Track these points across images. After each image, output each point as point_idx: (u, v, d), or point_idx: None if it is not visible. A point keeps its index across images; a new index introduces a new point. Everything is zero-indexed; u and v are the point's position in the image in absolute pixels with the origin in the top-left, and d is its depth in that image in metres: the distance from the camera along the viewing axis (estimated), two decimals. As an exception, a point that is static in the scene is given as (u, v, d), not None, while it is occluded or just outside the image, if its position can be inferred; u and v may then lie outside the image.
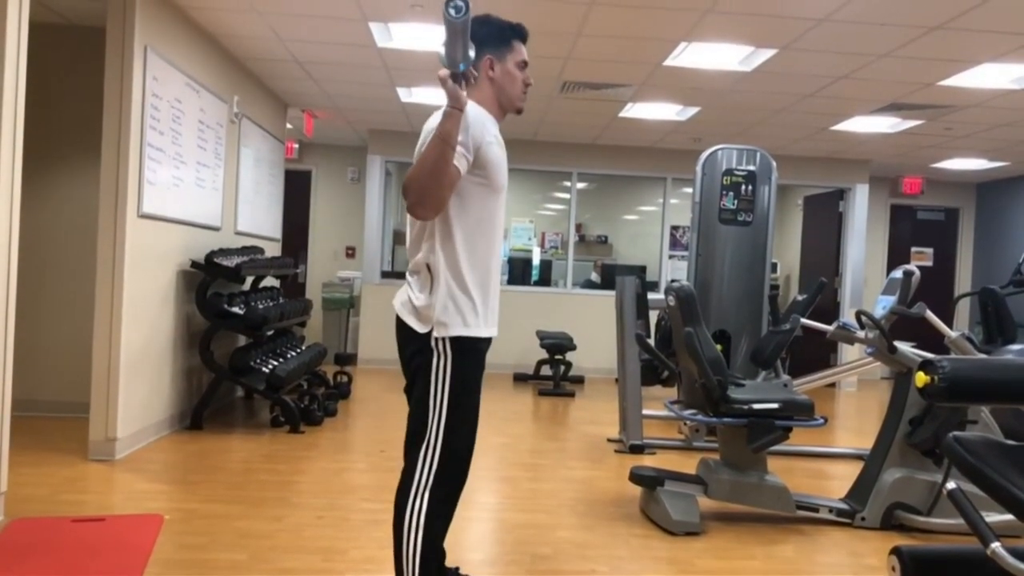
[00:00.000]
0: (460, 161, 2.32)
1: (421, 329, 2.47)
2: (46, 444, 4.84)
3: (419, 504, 2.44)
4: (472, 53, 2.23)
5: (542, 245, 11.18)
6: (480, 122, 2.41)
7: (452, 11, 2.08)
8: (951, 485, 1.76)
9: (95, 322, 4.65)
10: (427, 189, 2.28)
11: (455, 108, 2.24)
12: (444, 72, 2.21)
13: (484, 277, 2.50)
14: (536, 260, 10.63)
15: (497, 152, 2.50)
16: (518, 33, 2.64)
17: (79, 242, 5.52)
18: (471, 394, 2.53)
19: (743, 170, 5.88)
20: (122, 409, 4.68)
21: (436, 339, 2.45)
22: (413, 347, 2.50)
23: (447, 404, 2.46)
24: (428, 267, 2.46)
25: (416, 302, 2.48)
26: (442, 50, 2.19)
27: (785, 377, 5.30)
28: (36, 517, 3.60)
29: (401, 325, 2.54)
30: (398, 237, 10.64)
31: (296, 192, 9.81)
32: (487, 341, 2.56)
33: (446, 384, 2.46)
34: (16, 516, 3.56)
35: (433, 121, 2.43)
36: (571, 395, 7.93)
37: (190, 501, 4.00)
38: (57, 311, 5.64)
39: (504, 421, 6.44)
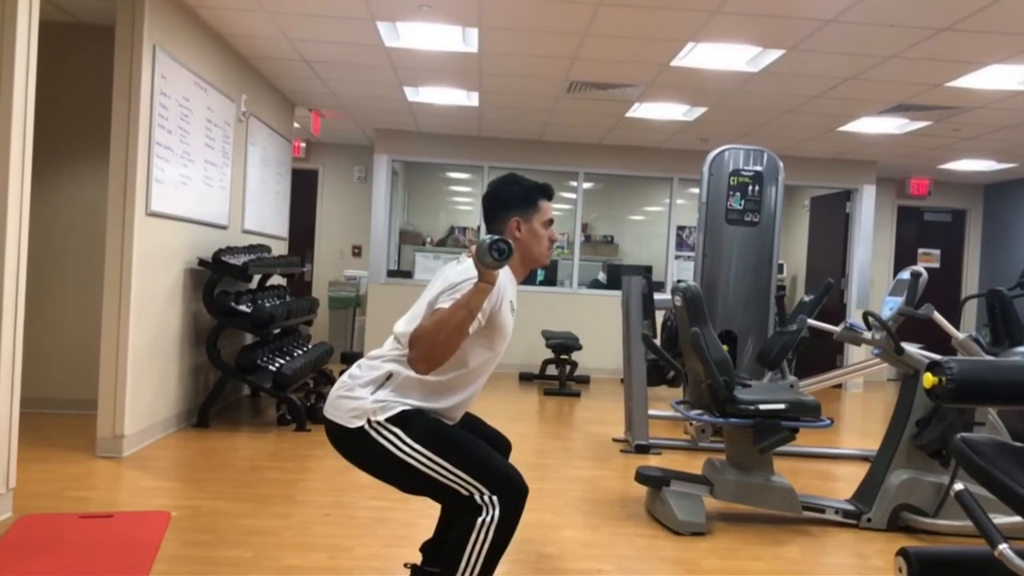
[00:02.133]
0: (472, 325, 2.29)
1: (353, 424, 2.36)
2: (54, 441, 4.86)
3: (491, 516, 2.32)
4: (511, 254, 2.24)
5: (548, 245, 11.17)
6: (501, 287, 2.38)
7: (495, 254, 2.16)
8: (959, 486, 1.76)
9: (103, 319, 4.67)
10: (436, 350, 2.24)
11: (487, 283, 2.23)
12: (475, 251, 2.21)
13: (440, 416, 2.45)
14: (542, 260, 10.61)
15: (507, 319, 2.48)
16: (544, 193, 2.63)
17: (87, 240, 5.54)
18: (444, 430, 2.42)
19: (750, 171, 5.87)
20: (129, 406, 4.69)
21: (375, 426, 2.35)
22: (358, 450, 2.41)
23: (440, 456, 2.34)
24: (390, 375, 2.40)
25: (352, 394, 2.40)
26: (481, 247, 2.19)
27: (791, 378, 5.29)
28: (44, 513, 3.61)
29: (334, 430, 2.43)
30: (404, 236, 10.65)
31: (303, 191, 9.82)
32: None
33: (418, 447, 2.34)
34: (24, 512, 3.57)
35: (453, 274, 2.40)
36: (577, 395, 7.93)
37: (197, 498, 4.01)
38: (65, 308, 5.66)
39: (509, 420, 6.44)
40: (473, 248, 2.22)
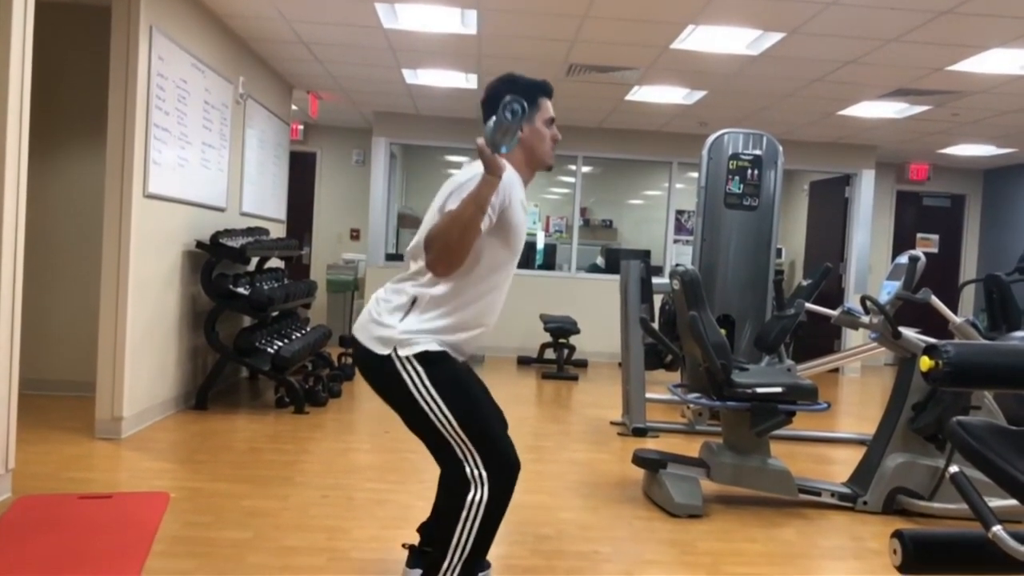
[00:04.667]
0: (484, 222, 2.30)
1: (381, 351, 2.39)
2: (53, 422, 4.87)
3: (475, 515, 2.35)
4: (516, 141, 2.23)
5: (547, 229, 11.17)
6: (509, 185, 2.39)
7: (508, 115, 2.11)
8: (953, 469, 1.77)
9: (101, 302, 4.67)
10: (451, 249, 2.27)
11: (493, 176, 2.22)
12: (483, 142, 2.20)
13: (468, 330, 2.47)
14: (540, 244, 10.62)
15: (520, 217, 2.48)
16: (544, 90, 2.60)
17: (85, 222, 5.53)
18: (465, 387, 2.46)
19: (749, 154, 5.86)
20: (128, 388, 4.70)
21: (399, 359, 2.38)
22: (381, 375, 2.44)
23: (449, 411, 2.38)
24: (414, 299, 2.41)
25: (381, 319, 2.42)
26: (488, 128, 2.18)
27: (789, 362, 5.31)
28: (43, 494, 3.62)
29: (360, 352, 2.46)
30: (402, 220, 10.64)
31: (301, 174, 9.79)
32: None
33: (433, 395, 2.38)
34: (23, 493, 3.59)
35: (461, 176, 2.41)
36: (574, 379, 7.95)
37: (196, 480, 4.03)
38: (64, 291, 5.66)
39: (508, 404, 6.39)
40: (481, 141, 2.20)
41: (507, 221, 2.42)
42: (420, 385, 2.38)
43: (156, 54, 4.80)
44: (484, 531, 2.37)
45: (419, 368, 2.38)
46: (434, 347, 2.40)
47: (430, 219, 2.46)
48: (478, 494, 2.35)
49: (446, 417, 2.38)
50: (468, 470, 2.37)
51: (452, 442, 2.39)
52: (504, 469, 2.40)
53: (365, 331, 2.46)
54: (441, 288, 2.40)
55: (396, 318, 2.41)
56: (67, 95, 5.60)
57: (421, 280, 2.42)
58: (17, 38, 3.47)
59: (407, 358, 2.38)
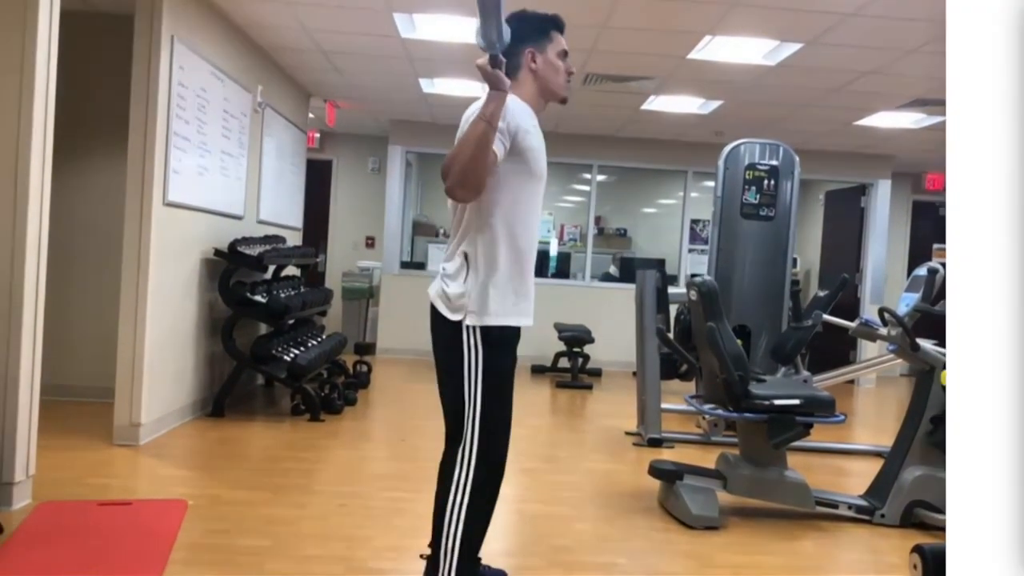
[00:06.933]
0: (497, 146, 2.33)
1: (453, 317, 2.50)
2: (72, 428, 4.90)
3: (461, 496, 2.50)
4: (507, 34, 2.24)
5: (560, 237, 11.17)
6: (519, 110, 2.44)
7: None
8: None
9: (121, 309, 4.70)
10: (467, 169, 2.30)
11: (497, 90, 2.27)
12: (482, 60, 2.24)
13: (520, 267, 2.53)
14: (554, 252, 10.63)
15: (536, 140, 2.52)
16: (556, 24, 2.64)
17: (106, 229, 5.56)
18: (504, 382, 2.56)
19: (766, 165, 5.85)
20: (146, 395, 4.73)
21: (467, 327, 2.48)
22: (445, 336, 2.54)
23: (481, 392, 2.49)
24: (465, 256, 2.50)
25: (449, 290, 2.50)
26: (478, 34, 2.21)
27: (805, 373, 5.29)
28: (63, 500, 3.65)
29: (435, 313, 2.57)
30: (418, 228, 10.67)
31: (317, 182, 9.85)
32: (518, 331, 2.59)
33: (478, 373, 2.49)
34: (43, 499, 3.61)
35: (472, 109, 2.46)
36: (589, 388, 7.94)
37: (214, 487, 4.04)
38: (84, 298, 5.70)
39: (522, 413, 6.41)
40: (480, 61, 2.23)
41: (522, 145, 2.45)
42: (473, 362, 2.49)
43: (177, 63, 4.85)
44: (472, 517, 2.49)
45: (480, 347, 2.49)
46: (497, 322, 2.49)
47: None
48: (462, 475, 2.49)
49: (476, 398, 2.49)
50: (461, 450, 2.50)
51: (467, 419, 2.50)
52: (492, 464, 2.54)
53: (439, 298, 2.55)
54: (484, 236, 2.48)
55: (460, 281, 2.50)
56: (89, 104, 5.65)
57: (466, 235, 2.51)
58: (42, 46, 3.51)
59: (473, 329, 2.48)
